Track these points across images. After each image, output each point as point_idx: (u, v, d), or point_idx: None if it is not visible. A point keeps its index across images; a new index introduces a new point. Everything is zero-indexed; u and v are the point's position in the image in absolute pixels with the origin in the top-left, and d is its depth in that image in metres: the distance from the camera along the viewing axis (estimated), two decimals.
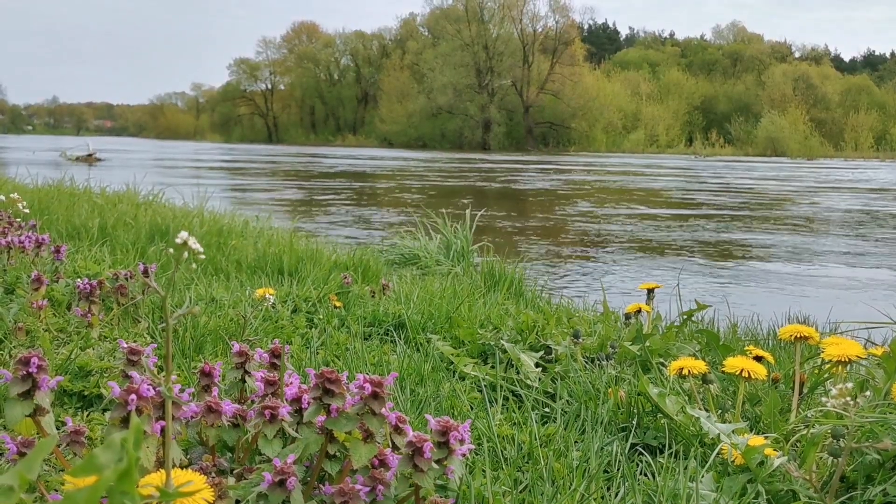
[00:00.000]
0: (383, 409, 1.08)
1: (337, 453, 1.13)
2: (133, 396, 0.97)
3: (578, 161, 38.51)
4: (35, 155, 29.45)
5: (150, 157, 34.28)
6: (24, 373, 1.04)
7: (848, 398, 1.28)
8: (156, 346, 1.31)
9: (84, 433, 1.13)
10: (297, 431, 1.13)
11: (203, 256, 0.87)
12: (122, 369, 1.22)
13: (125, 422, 0.97)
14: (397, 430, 1.12)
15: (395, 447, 1.13)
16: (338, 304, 2.90)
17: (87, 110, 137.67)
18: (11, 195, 3.51)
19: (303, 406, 1.14)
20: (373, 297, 3.16)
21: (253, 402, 1.29)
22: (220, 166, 28.29)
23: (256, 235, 5.10)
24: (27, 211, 3.45)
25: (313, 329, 2.56)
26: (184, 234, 0.86)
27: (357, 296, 3.09)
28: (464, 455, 1.11)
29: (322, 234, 8.57)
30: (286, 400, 1.16)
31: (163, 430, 0.97)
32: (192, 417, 1.15)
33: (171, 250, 0.86)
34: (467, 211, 6.15)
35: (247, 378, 1.30)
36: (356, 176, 23.06)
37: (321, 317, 2.72)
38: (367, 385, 1.06)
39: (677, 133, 68.15)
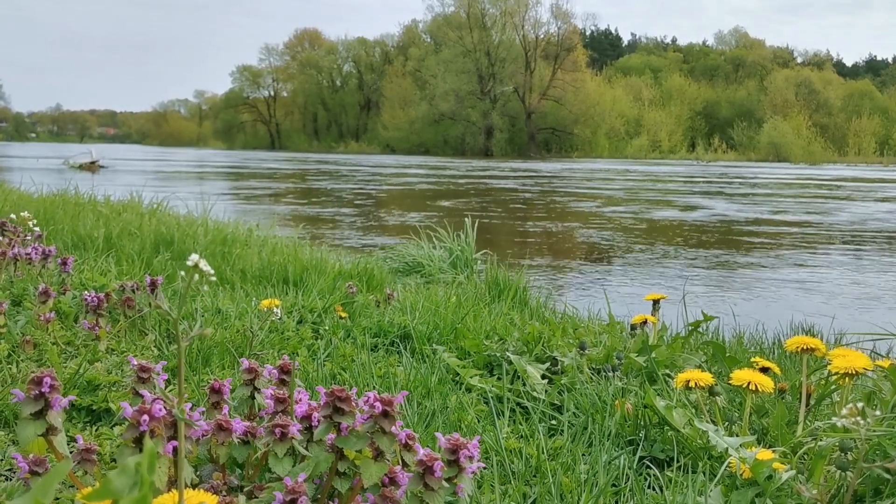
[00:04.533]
0: (393, 428, 1.08)
1: (347, 470, 1.14)
2: (145, 417, 0.97)
3: (585, 168, 38.53)
4: (39, 162, 29.54)
5: (153, 165, 34.34)
6: (37, 392, 1.05)
7: (858, 418, 1.28)
8: (166, 363, 1.32)
9: (95, 451, 1.14)
10: (307, 449, 1.13)
11: (214, 279, 0.88)
12: (132, 387, 1.23)
13: (138, 442, 0.98)
14: (407, 447, 1.13)
15: (404, 464, 1.14)
16: (343, 314, 2.91)
17: (91, 118, 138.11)
18: (22, 214, 3.53)
19: (313, 424, 1.14)
20: (378, 306, 3.16)
21: (262, 418, 1.29)
22: (222, 173, 28.34)
23: (260, 244, 5.11)
24: (37, 229, 3.46)
25: (319, 340, 2.56)
26: (194, 257, 0.86)
27: (362, 305, 3.10)
28: (473, 473, 1.11)
29: (325, 240, 8.58)
30: (296, 418, 1.16)
31: (175, 451, 0.98)
32: (202, 436, 1.15)
33: (183, 273, 0.86)
34: (468, 219, 6.16)
35: (256, 395, 1.31)
36: (358, 181, 23.09)
37: (327, 328, 2.72)
38: (378, 404, 1.06)
39: (680, 139, 68.16)
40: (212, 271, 0.87)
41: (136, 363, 1.26)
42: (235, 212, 11.55)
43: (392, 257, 5.93)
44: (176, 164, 35.39)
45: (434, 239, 6.08)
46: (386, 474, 1.09)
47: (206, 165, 35.28)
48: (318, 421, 1.13)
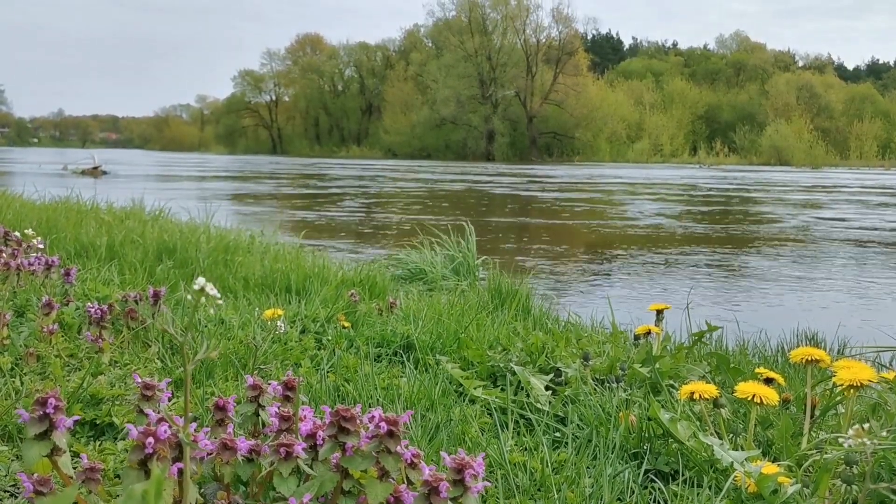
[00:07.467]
0: (398, 447, 1.08)
1: (352, 489, 1.13)
2: (151, 440, 0.97)
3: (586, 173, 38.53)
4: (41, 168, 29.59)
5: (156, 170, 34.39)
6: (41, 413, 1.05)
7: (865, 439, 1.27)
8: (170, 380, 1.32)
9: (99, 469, 1.13)
10: (311, 468, 1.13)
11: (221, 302, 0.88)
12: (137, 405, 1.23)
13: (143, 464, 0.97)
14: (413, 466, 1.12)
15: (409, 482, 1.13)
16: (346, 324, 2.91)
17: (93, 123, 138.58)
18: (26, 231, 3.53)
19: (317, 442, 1.14)
20: (380, 315, 3.16)
21: (267, 435, 1.29)
22: (225, 177, 28.36)
23: (263, 251, 5.11)
24: (41, 247, 3.47)
25: (322, 351, 2.56)
26: (201, 281, 0.86)
27: (365, 314, 3.10)
28: (479, 491, 1.10)
29: (327, 247, 8.59)
30: (301, 436, 1.16)
31: (180, 472, 0.97)
32: (207, 455, 1.15)
33: (189, 297, 0.86)
34: (467, 225, 6.16)
35: (261, 412, 1.30)
36: (360, 185, 23.11)
37: (330, 338, 2.72)
38: (383, 424, 1.06)
39: (681, 142, 68.17)
40: (218, 295, 0.87)
41: (140, 381, 1.26)
42: (237, 216, 11.56)
43: (394, 264, 5.93)
44: (178, 170, 35.42)
45: (436, 245, 6.07)
46: (391, 494, 1.09)
47: (208, 172, 35.30)
48: (323, 440, 1.13)
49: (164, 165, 41.30)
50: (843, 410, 1.97)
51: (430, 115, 69.00)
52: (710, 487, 1.59)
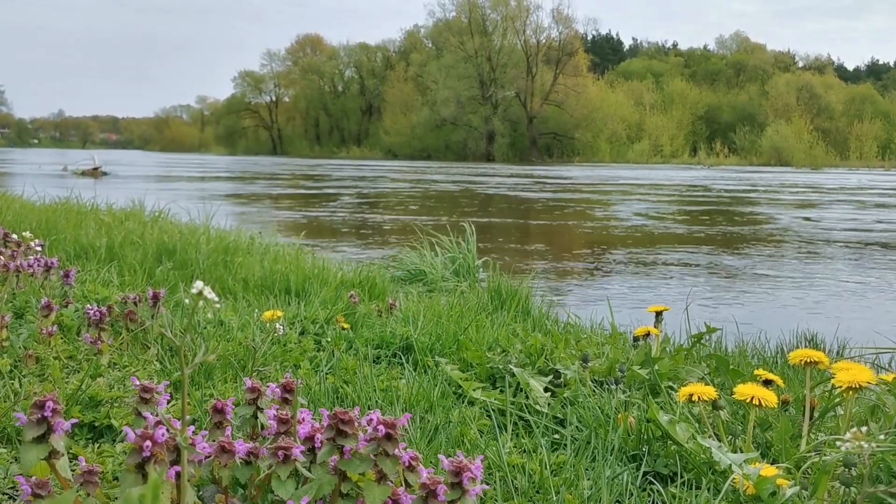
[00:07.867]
0: (396, 450, 1.08)
1: (350, 492, 1.14)
2: (148, 443, 0.97)
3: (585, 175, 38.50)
4: (41, 169, 29.60)
5: (156, 171, 34.38)
6: (39, 416, 1.05)
7: (862, 443, 1.27)
8: (168, 382, 1.32)
9: (98, 472, 1.13)
10: (310, 471, 1.13)
11: (218, 305, 0.88)
12: (135, 407, 1.23)
13: (140, 467, 0.97)
14: (410, 468, 1.13)
15: (407, 485, 1.14)
16: (345, 325, 2.91)
17: (93, 123, 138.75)
18: (24, 234, 3.53)
19: (316, 445, 1.14)
20: (380, 316, 3.16)
21: (265, 438, 1.29)
22: (227, 178, 28.36)
23: (263, 252, 5.11)
24: (39, 249, 3.46)
25: (321, 352, 2.56)
26: (199, 284, 0.86)
27: (364, 315, 3.10)
28: (477, 494, 1.10)
29: (327, 248, 8.59)
30: (299, 439, 1.16)
31: (177, 475, 0.98)
32: (205, 458, 1.15)
33: (188, 300, 0.86)
34: (467, 226, 6.16)
35: (259, 414, 1.30)
36: (360, 187, 23.11)
37: (329, 339, 2.72)
38: (381, 427, 1.06)
39: (681, 143, 68.14)
40: (216, 298, 0.87)
41: (138, 383, 1.26)
42: (237, 217, 11.56)
43: (394, 265, 5.92)
44: (179, 170, 35.41)
45: (436, 246, 6.06)
46: (389, 497, 1.09)
47: (209, 171, 35.30)
48: (321, 443, 1.13)
49: (165, 166, 41.30)
50: (842, 412, 1.97)
51: (431, 116, 68.99)
52: (708, 489, 1.59)
